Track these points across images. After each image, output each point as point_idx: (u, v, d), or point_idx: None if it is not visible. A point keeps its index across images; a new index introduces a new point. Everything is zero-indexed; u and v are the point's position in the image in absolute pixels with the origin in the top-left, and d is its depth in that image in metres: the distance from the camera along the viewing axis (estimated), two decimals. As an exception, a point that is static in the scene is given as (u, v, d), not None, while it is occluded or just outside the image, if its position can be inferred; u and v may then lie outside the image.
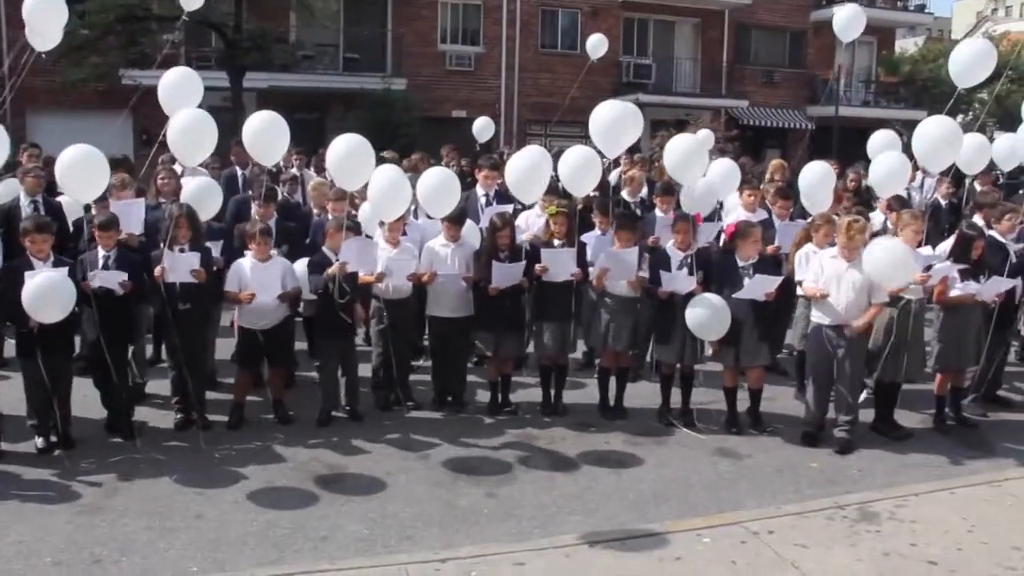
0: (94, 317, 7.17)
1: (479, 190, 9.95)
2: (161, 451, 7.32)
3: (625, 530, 6.02)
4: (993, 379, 8.84)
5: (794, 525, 6.10)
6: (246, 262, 7.88)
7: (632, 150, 12.73)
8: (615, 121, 8.03)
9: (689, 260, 7.91)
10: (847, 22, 10.06)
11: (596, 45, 16.59)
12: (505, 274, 7.92)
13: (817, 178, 8.94)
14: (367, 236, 8.18)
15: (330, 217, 8.80)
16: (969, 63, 8.71)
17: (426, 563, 5.48)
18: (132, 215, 7.98)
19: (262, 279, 7.74)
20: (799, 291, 8.13)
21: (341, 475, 6.97)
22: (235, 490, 6.62)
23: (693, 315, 7.55)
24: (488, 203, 9.68)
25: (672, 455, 7.52)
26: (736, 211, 9.76)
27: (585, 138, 8.86)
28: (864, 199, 10.30)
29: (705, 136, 14.52)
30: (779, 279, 7.78)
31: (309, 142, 16.22)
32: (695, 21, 33.75)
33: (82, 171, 7.43)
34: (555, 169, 8.40)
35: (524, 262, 7.97)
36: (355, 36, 28.92)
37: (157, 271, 7.36)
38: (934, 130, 8.10)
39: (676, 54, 33.60)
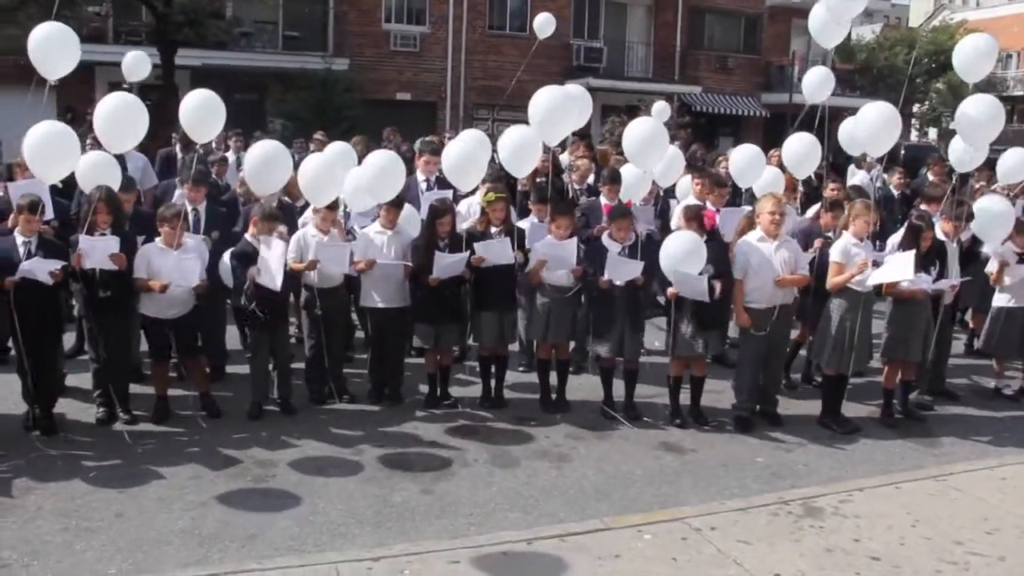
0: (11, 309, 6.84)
1: (419, 176, 9.65)
2: (81, 447, 7.03)
3: (564, 527, 5.88)
4: (940, 372, 8.83)
5: (737, 521, 6.02)
6: (153, 247, 7.43)
7: (581, 135, 12.53)
8: (555, 107, 7.82)
9: (625, 252, 7.73)
10: None
11: (543, 24, 15.47)
12: (447, 265, 7.69)
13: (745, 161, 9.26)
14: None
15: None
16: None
17: (358, 562, 5.33)
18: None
19: (170, 266, 7.27)
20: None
21: (271, 471, 6.74)
22: (159, 487, 6.38)
23: (667, 253, 7.39)
24: (429, 188, 9.44)
25: (614, 450, 7.40)
26: (687, 198, 9.64)
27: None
28: (814, 189, 10.26)
29: (660, 109, 14.24)
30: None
31: (247, 123, 15.79)
32: (648, 3, 33.70)
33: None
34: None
35: (467, 252, 7.74)
36: (295, 13, 28.17)
37: (74, 258, 7.05)
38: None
39: (628, 38, 33.52)
